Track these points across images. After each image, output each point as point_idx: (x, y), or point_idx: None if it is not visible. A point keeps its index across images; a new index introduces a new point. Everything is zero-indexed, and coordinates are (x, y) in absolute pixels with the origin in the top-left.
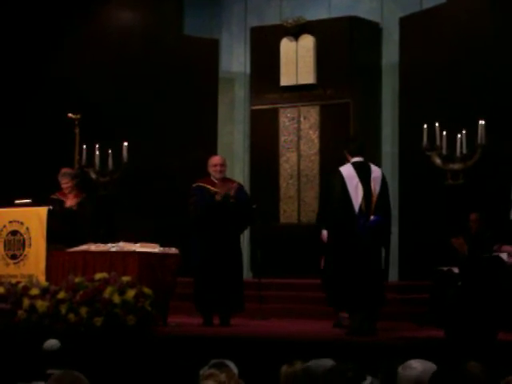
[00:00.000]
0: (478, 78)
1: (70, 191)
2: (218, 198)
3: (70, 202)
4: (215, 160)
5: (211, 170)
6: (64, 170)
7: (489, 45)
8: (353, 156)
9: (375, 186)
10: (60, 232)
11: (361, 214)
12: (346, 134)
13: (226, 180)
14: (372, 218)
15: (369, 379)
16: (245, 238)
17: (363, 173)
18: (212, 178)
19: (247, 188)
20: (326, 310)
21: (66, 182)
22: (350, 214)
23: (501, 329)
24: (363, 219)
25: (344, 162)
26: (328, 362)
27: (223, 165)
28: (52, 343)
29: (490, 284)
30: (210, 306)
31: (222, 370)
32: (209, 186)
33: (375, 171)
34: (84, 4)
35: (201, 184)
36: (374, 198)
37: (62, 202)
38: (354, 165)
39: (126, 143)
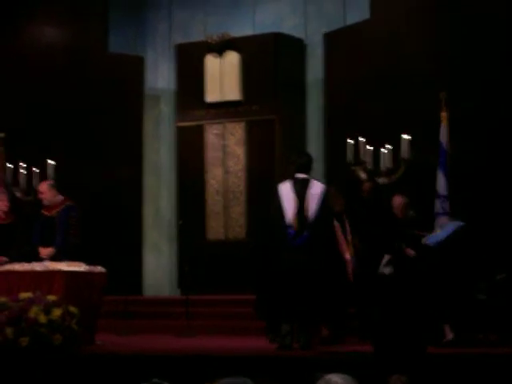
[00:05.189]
0: (401, 93)
1: None
2: None
3: None
4: None
5: None
6: None
7: (411, 60)
8: (297, 172)
9: (310, 203)
10: None
11: (291, 230)
12: (272, 150)
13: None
14: (304, 234)
15: None
16: (172, 254)
17: (301, 188)
18: None
19: (173, 204)
20: (255, 325)
21: None
22: (282, 230)
23: (430, 343)
24: (293, 235)
25: (271, 177)
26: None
27: (41, 192)
28: None
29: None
30: None
31: None
32: None
33: (315, 187)
34: (7, 19)
35: None
36: (309, 215)
37: None
38: (294, 181)
39: (51, 161)
